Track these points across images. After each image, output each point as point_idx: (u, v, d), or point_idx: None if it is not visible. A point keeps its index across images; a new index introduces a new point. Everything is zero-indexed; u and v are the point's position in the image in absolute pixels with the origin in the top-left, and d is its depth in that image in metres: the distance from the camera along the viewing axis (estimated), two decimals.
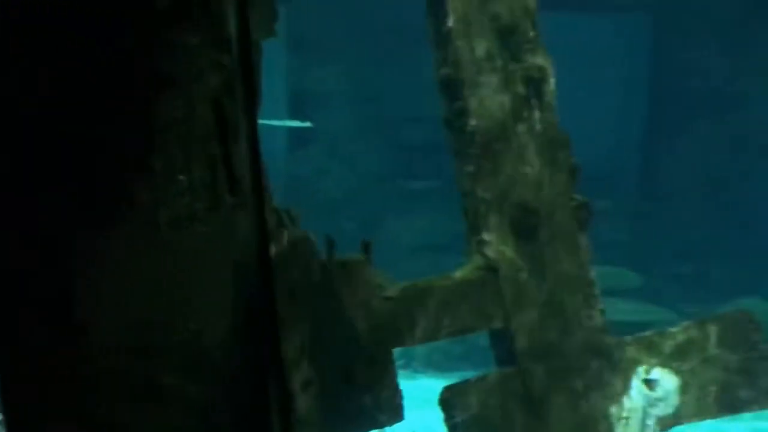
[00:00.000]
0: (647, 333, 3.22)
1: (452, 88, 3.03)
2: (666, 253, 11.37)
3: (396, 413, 2.75)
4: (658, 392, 2.94)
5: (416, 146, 8.77)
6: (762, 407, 3.33)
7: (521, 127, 3.02)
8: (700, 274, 11.18)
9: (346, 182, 9.06)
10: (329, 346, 2.80)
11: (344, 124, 8.05)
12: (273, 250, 1.64)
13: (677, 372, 3.04)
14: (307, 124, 7.85)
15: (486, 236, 2.95)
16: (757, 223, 12.15)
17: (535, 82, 3.05)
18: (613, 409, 2.98)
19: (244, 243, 1.24)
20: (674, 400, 2.97)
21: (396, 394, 2.76)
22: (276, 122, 8.14)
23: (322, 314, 2.77)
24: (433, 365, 7.73)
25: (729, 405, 3.22)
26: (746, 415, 3.74)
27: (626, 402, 2.98)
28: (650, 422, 2.98)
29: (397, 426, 2.81)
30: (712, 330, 3.26)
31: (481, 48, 3.01)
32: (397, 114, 8.49)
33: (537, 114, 3.05)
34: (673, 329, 3.24)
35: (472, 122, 3.00)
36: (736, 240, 11.69)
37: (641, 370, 2.95)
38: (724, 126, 12.08)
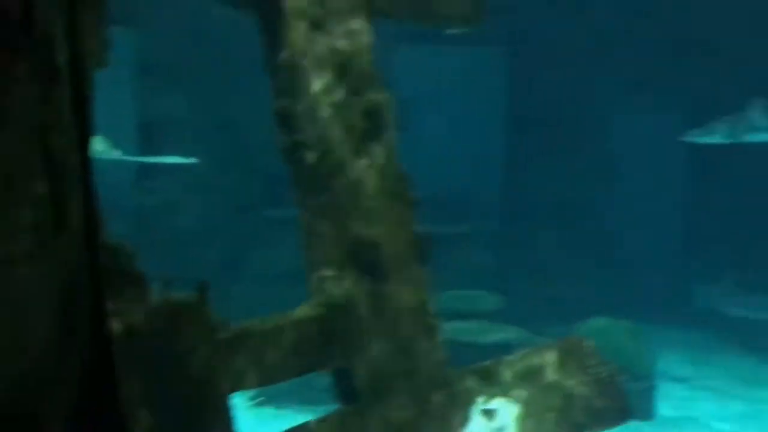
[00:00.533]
0: (486, 363, 3.26)
1: (289, 121, 2.97)
2: (525, 275, 11.82)
3: None
4: (497, 422, 2.97)
5: (276, 174, 8.67)
6: (599, 430, 3.44)
7: (360, 161, 3.00)
8: (558, 295, 11.69)
9: (205, 213, 8.81)
10: (166, 391, 2.65)
11: (197, 154, 7.81)
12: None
13: (516, 400, 3.10)
14: (192, 160, 7.53)
15: (326, 272, 2.90)
16: (611, 245, 12.90)
17: (374, 116, 3.05)
18: None
19: (71, 283, 1.17)
20: (513, 430, 3.01)
21: None
22: (155, 159, 7.78)
23: (158, 358, 2.62)
24: (298, 398, 7.58)
25: (568, 430, 3.30)
26: None
27: None
28: None
29: None
30: (550, 357, 3.36)
31: (318, 81, 2.98)
32: (254, 142, 8.36)
33: (376, 148, 3.04)
34: (512, 357, 3.30)
35: (311, 156, 2.95)
36: (591, 262, 12.35)
37: (480, 400, 2.98)
38: (579, 152, 12.79)
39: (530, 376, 3.24)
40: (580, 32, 12.58)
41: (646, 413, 8.40)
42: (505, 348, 7.94)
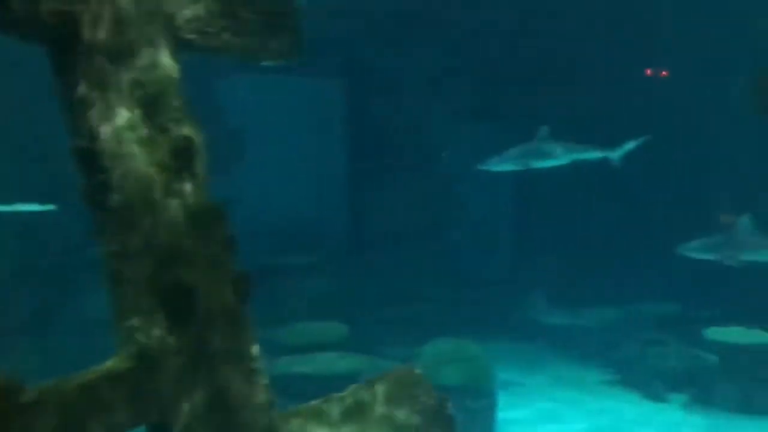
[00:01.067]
0: (314, 402, 3.19)
1: (90, 161, 2.77)
2: (373, 301, 11.93)
3: None
4: None
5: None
6: None
7: (171, 201, 2.85)
8: (404, 318, 11.89)
9: (24, 255, 8.16)
10: None
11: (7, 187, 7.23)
12: None
13: None
14: (50, 207, 6.92)
15: (136, 321, 2.71)
16: (451, 266, 13.31)
17: (183, 153, 2.91)
18: None
19: None
20: None
21: None
22: (12, 207, 7.09)
23: None
24: None
25: None
26: None
27: None
28: None
29: None
30: (380, 389, 3.33)
31: (121, 117, 2.80)
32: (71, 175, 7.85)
33: (188, 186, 2.90)
34: (341, 394, 3.25)
35: (115, 197, 2.76)
36: (433, 283, 12.68)
37: None
38: (418, 178, 13.14)
39: (359, 411, 3.19)
40: (418, 62, 13.01)
41: (487, 429, 8.66)
42: (351, 378, 7.91)
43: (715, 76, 11.76)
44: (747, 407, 9.62)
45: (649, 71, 13.78)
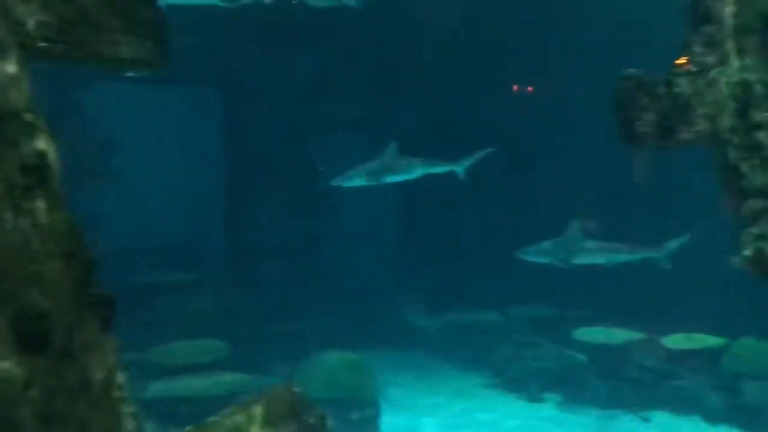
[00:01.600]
0: (188, 428, 3.04)
1: None
2: (255, 316, 11.69)
3: None
4: None
5: None
6: None
7: (21, 221, 2.63)
8: (287, 333, 11.73)
9: None
10: None
11: None
12: None
13: None
14: None
15: None
16: (334, 279, 13.27)
17: (36, 170, 2.70)
18: None
19: None
20: None
21: None
22: None
23: None
24: None
25: None
26: None
27: None
28: None
29: None
30: (258, 411, 3.23)
31: None
32: None
33: (40, 204, 2.69)
34: (216, 418, 3.12)
35: None
36: (316, 296, 12.59)
37: None
38: (298, 191, 13.02)
39: None
40: (294, 72, 12.91)
41: None
42: (230, 399, 7.69)
43: (580, 86, 12.40)
44: (616, 403, 10.17)
45: (516, 87, 14.41)
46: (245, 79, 12.71)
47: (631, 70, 3.73)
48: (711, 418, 9.67)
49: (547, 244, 10.14)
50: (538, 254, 10.06)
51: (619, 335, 10.44)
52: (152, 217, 12.37)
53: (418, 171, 9.97)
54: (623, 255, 10.18)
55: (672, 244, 10.20)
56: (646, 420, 9.82)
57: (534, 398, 10.73)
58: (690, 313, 10.75)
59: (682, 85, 3.66)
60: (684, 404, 9.92)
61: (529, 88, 14.54)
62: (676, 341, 10.23)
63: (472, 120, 13.46)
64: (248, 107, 12.94)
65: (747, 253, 3.53)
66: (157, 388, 7.89)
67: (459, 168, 10.24)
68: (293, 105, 12.78)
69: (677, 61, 3.92)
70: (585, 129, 12.17)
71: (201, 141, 13.57)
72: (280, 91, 12.75)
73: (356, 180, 9.78)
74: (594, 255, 10.14)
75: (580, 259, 10.10)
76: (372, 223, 14.00)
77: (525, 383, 10.91)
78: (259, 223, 12.51)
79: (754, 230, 3.59)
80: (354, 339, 11.69)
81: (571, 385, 10.72)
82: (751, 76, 3.72)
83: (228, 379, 8.44)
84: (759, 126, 3.70)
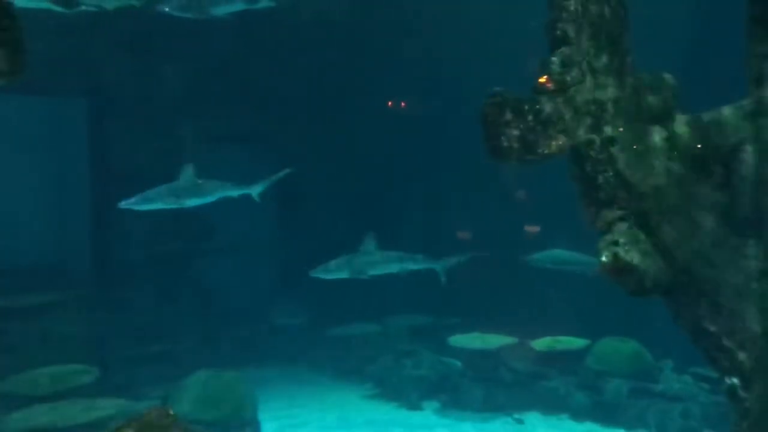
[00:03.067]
0: None
1: None
2: (125, 339, 11.20)
3: None
4: None
5: None
6: None
7: None
8: (161, 355, 11.31)
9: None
10: None
11: None
12: None
13: None
14: None
15: None
16: (210, 298, 12.94)
17: None
18: None
19: None
20: None
21: None
22: None
23: None
24: None
25: None
26: None
27: None
28: None
29: None
30: None
31: None
32: None
33: None
34: None
35: None
36: (189, 316, 12.23)
37: None
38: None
39: None
40: (164, 85, 12.53)
41: None
42: (100, 426, 7.32)
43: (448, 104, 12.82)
44: (492, 406, 10.54)
45: (390, 103, 14.71)
46: (112, 90, 12.21)
47: (497, 88, 3.91)
48: (577, 415, 10.20)
49: (343, 259, 10.51)
50: (330, 271, 10.33)
51: (493, 340, 10.83)
52: (10, 236, 11.59)
53: (212, 194, 9.84)
54: (409, 265, 10.81)
55: (452, 260, 10.97)
56: (520, 421, 10.23)
57: (414, 406, 10.91)
58: (557, 317, 11.35)
59: (543, 103, 3.88)
60: (553, 404, 10.42)
61: (402, 104, 14.88)
62: (544, 344, 10.72)
63: (345, 134, 13.62)
64: (115, 119, 12.43)
65: (603, 258, 3.78)
66: (19, 418, 7.38)
67: (254, 191, 10.22)
68: (163, 117, 12.41)
69: (540, 80, 4.15)
70: (449, 146, 12.65)
71: (67, 155, 12.86)
72: (150, 103, 12.34)
73: (148, 203, 9.52)
74: (379, 267, 10.67)
75: (375, 271, 10.62)
76: (247, 239, 13.79)
77: (405, 392, 11.08)
78: (128, 241, 12.01)
79: (609, 237, 3.86)
80: (232, 357, 11.45)
81: (449, 391, 10.99)
82: (604, 95, 4.00)
83: (98, 405, 8.03)
84: (611, 141, 3.98)
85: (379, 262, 10.65)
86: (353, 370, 12.19)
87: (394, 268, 10.80)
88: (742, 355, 3.61)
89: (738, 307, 3.66)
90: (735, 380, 3.62)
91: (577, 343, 10.66)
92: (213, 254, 12.93)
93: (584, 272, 10.04)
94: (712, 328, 3.76)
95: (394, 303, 12.79)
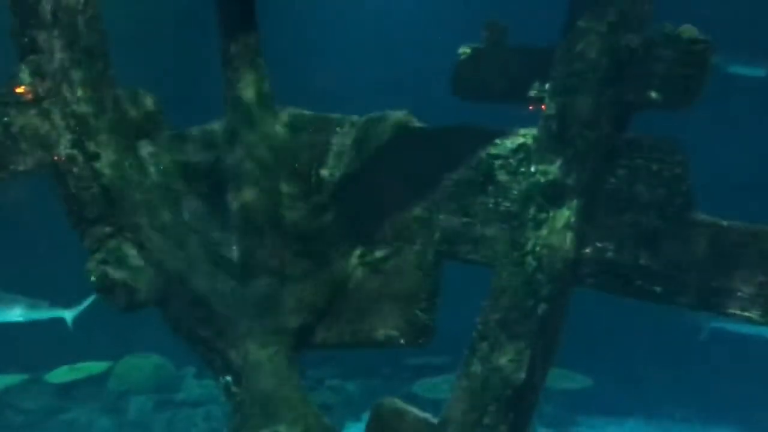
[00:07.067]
0: None
1: None
2: None
3: None
4: None
5: None
6: None
7: None
8: None
9: None
10: None
11: None
12: None
13: None
14: None
15: None
16: None
17: None
18: None
19: None
20: None
21: None
22: None
23: None
24: None
25: None
26: None
27: None
28: None
29: None
30: None
31: None
32: None
33: None
34: None
35: None
36: None
37: None
38: None
39: None
40: None
41: None
42: None
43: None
44: None
45: None
46: None
47: None
48: None
49: None
50: None
51: None
52: None
53: None
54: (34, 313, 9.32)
55: (85, 303, 9.67)
56: None
57: None
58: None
59: (13, 115, 3.56)
60: None
61: None
62: (60, 375, 9.99)
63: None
64: None
65: (92, 278, 3.65)
66: None
67: None
68: None
69: (16, 89, 3.80)
70: None
71: None
72: None
73: None
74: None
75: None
76: None
77: None
78: None
79: (99, 256, 3.73)
80: None
81: None
82: (84, 109, 3.84)
83: None
84: (95, 156, 3.85)
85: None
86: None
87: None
88: (233, 354, 3.86)
89: (227, 311, 3.89)
90: (228, 378, 3.85)
91: (96, 367, 10.23)
92: None
93: None
94: (207, 333, 3.93)
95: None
